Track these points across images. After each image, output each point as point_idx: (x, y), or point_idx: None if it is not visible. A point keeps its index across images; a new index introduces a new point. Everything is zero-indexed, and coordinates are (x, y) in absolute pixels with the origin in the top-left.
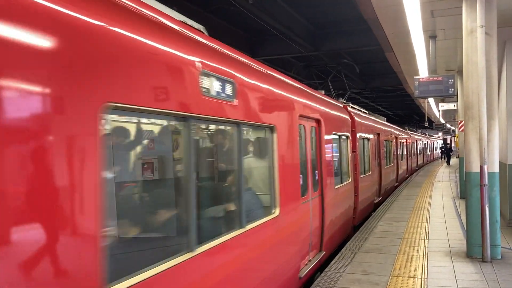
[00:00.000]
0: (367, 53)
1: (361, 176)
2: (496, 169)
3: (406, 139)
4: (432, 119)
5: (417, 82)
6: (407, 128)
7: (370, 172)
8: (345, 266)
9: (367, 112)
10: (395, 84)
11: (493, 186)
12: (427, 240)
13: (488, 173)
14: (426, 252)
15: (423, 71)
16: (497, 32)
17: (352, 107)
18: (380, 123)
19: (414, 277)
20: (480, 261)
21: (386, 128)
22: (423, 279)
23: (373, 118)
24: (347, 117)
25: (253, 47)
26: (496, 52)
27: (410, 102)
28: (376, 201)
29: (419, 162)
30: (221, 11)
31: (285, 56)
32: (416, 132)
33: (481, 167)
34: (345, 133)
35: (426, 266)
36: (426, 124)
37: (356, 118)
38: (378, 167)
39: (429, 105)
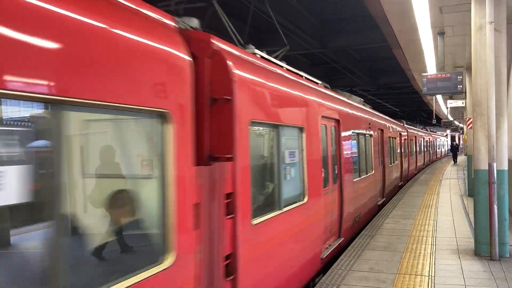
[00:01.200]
0: (374, 50)
1: (270, 216)
2: (505, 166)
3: (400, 134)
4: (440, 117)
5: (425, 79)
6: (404, 122)
7: (305, 201)
8: (352, 264)
9: (319, 82)
10: (403, 81)
11: (502, 183)
12: (434, 238)
13: (497, 170)
14: (434, 250)
15: (431, 68)
16: (507, 29)
17: (263, 57)
18: (343, 103)
19: (421, 275)
20: (488, 259)
21: (357, 114)
22: (430, 277)
23: (324, 91)
24: (181, 55)
25: (259, 43)
26: (505, 48)
27: (417, 99)
28: (329, 252)
29: (419, 164)
30: (227, 6)
31: (291, 53)
32: (416, 127)
33: (490, 165)
34: (158, 108)
35: (433, 264)
36: (434, 121)
37: (240, 73)
38: (336, 183)
39: (437, 102)
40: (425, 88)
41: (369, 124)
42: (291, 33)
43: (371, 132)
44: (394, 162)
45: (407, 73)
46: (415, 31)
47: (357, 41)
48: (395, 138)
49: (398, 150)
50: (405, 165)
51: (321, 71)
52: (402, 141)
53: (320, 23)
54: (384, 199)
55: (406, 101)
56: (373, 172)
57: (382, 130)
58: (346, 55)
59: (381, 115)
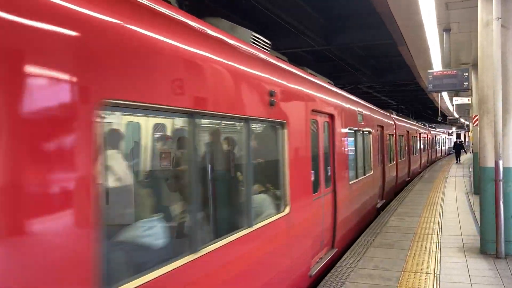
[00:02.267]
0: (379, 47)
1: None
2: (511, 164)
3: (382, 128)
4: (446, 114)
5: (431, 76)
6: (393, 112)
7: None
8: (357, 261)
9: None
10: (408, 78)
11: (508, 181)
12: (440, 236)
13: (503, 168)
14: (439, 248)
15: (437, 65)
16: None
17: None
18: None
19: (426, 273)
20: (494, 257)
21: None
22: (435, 275)
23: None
24: None
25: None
26: None
27: (423, 97)
28: None
29: (414, 167)
30: (232, 4)
31: (296, 50)
32: (411, 121)
33: (496, 162)
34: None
35: (438, 262)
36: (439, 119)
37: None
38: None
39: (442, 99)
40: (431, 85)
41: (317, 106)
42: (295, 30)
43: (315, 117)
44: (366, 173)
45: (412, 70)
46: (420, 27)
47: (362, 38)
48: (371, 133)
49: (379, 152)
50: (390, 173)
51: (326, 68)
52: (387, 138)
53: (324, 19)
54: (337, 248)
55: (411, 98)
56: (319, 196)
57: (332, 117)
58: (351, 52)
59: (347, 95)
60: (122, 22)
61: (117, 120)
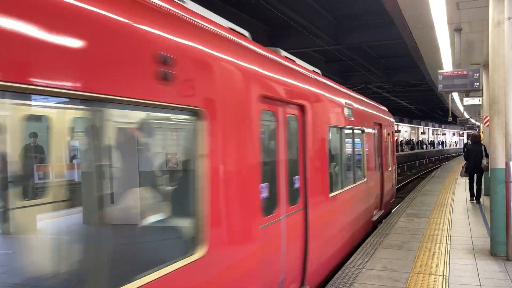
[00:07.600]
0: (390, 47)
1: None
2: None
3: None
4: (456, 114)
5: (441, 76)
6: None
7: None
8: (365, 262)
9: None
10: (418, 78)
11: None
12: (449, 237)
13: None
14: (448, 249)
15: (447, 65)
16: None
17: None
18: None
19: (435, 275)
20: (504, 259)
21: None
22: (444, 277)
23: None
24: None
25: (274, 40)
26: None
27: (433, 97)
28: None
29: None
30: (242, 4)
31: (306, 49)
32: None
33: (507, 163)
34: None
35: (448, 264)
36: (450, 119)
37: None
38: None
39: (453, 99)
40: (441, 85)
41: None
42: (305, 30)
43: None
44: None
45: (422, 70)
46: (431, 27)
47: (372, 38)
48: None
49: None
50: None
51: (336, 68)
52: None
53: (334, 19)
54: None
55: (421, 99)
56: None
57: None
58: (361, 52)
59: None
60: None
61: None
